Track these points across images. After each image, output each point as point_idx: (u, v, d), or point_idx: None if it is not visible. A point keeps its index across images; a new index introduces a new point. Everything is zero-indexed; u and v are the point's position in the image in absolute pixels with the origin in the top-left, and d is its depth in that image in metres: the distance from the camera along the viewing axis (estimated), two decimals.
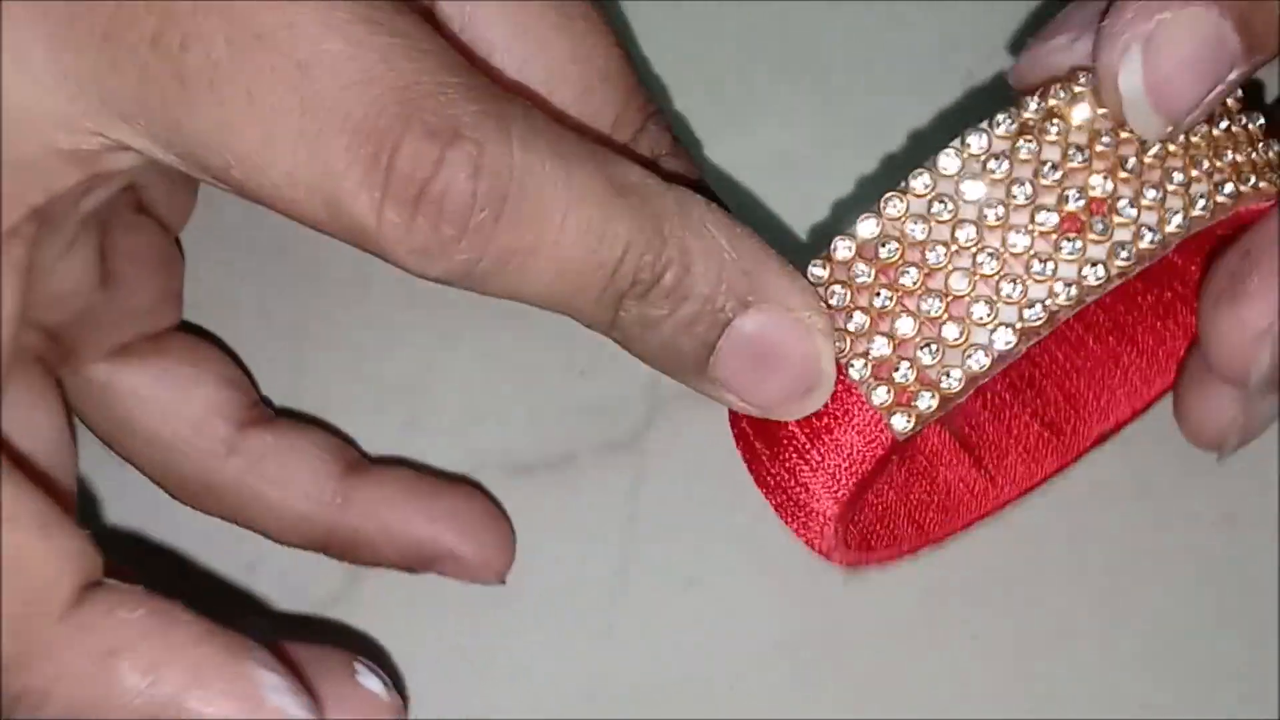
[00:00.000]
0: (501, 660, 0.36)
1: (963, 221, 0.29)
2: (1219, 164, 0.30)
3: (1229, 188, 0.30)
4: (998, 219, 0.29)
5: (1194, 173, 0.29)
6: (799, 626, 0.36)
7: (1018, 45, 0.38)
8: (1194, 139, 0.30)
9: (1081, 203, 0.29)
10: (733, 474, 0.36)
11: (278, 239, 0.37)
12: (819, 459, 0.30)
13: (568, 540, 0.36)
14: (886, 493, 0.35)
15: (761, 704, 0.35)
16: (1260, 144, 0.31)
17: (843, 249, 0.30)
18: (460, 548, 0.35)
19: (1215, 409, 0.34)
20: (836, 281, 0.30)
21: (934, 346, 0.29)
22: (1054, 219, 0.29)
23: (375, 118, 0.27)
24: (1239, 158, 0.30)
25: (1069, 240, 0.29)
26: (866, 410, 0.30)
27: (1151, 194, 0.29)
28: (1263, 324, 0.31)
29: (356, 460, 0.36)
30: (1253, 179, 0.30)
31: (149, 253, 0.34)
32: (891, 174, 0.38)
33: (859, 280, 0.30)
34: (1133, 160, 0.29)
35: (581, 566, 0.36)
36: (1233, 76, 0.29)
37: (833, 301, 0.30)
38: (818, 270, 0.30)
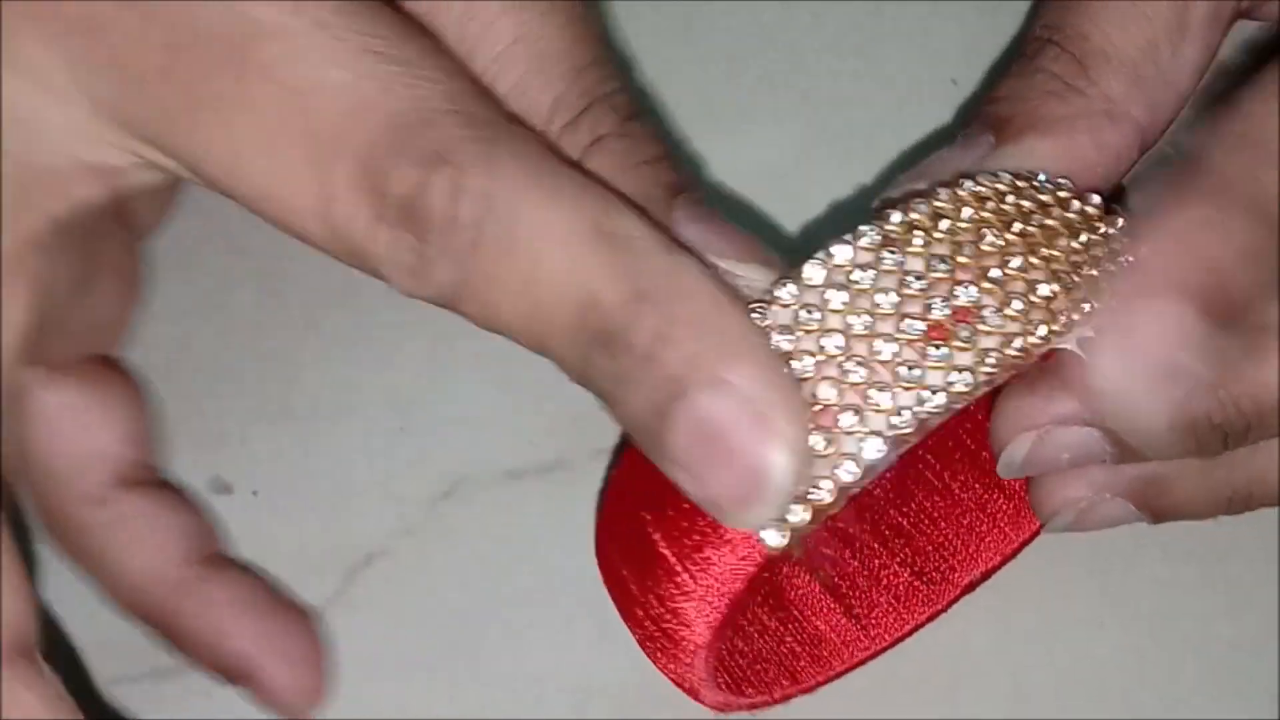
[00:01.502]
0: (492, 664, 0.36)
1: (829, 330, 0.29)
2: (1077, 279, 0.30)
3: (1087, 306, 0.30)
4: (865, 328, 0.29)
5: (1055, 287, 0.29)
6: None
7: (1005, 53, 0.39)
8: (1056, 253, 0.30)
9: (947, 311, 0.29)
10: None
11: (270, 246, 0.38)
12: (689, 580, 0.30)
13: (558, 545, 0.36)
14: (757, 641, 0.35)
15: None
16: (1119, 257, 0.30)
17: None
18: (270, 677, 0.34)
19: (1060, 485, 0.33)
20: None
21: None
22: (920, 326, 0.29)
23: (370, 146, 0.28)
24: (1097, 273, 0.30)
25: (935, 347, 0.29)
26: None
27: (1017, 305, 0.29)
28: (1035, 420, 0.31)
29: (215, 555, 0.35)
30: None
31: (120, 263, 0.34)
32: (880, 179, 0.38)
33: None
34: (996, 271, 0.29)
35: (572, 571, 0.36)
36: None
37: None
38: None
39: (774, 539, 0.29)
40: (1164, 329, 0.29)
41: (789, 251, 0.35)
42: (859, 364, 0.28)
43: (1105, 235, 0.30)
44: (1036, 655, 0.36)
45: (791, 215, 0.38)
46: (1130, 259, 0.30)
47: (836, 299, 0.29)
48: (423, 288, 0.29)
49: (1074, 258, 0.30)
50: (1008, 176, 0.31)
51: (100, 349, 0.35)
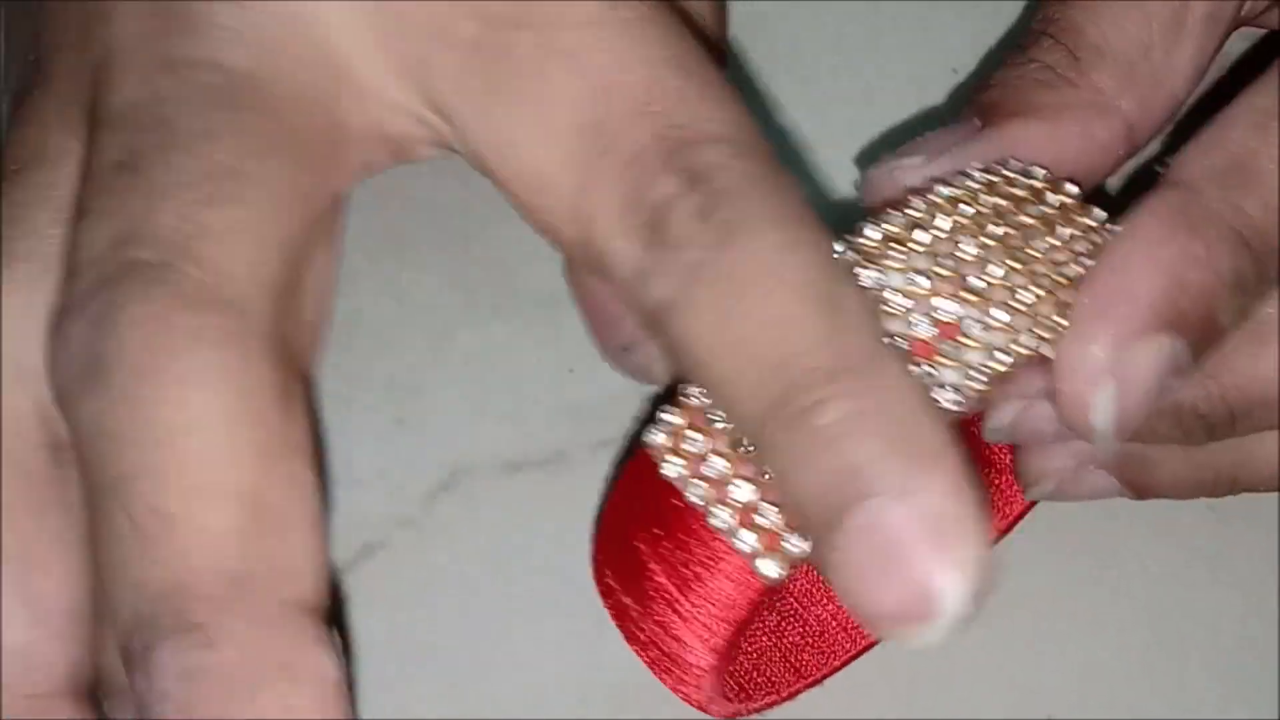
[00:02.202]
0: (491, 657, 0.36)
1: None
2: (1061, 281, 0.30)
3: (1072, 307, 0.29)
4: None
5: (1039, 292, 0.29)
6: None
7: (1004, 43, 0.39)
8: (1035, 253, 0.30)
9: (934, 330, 0.29)
10: None
11: None
12: (691, 610, 0.30)
13: (557, 538, 0.36)
14: (760, 638, 0.34)
15: None
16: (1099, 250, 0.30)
17: (696, 393, 0.29)
18: None
19: (1044, 454, 0.34)
20: (693, 427, 0.29)
21: None
22: (902, 345, 0.28)
23: (642, 150, 0.28)
24: (1079, 270, 0.30)
25: (918, 366, 0.28)
26: (734, 557, 0.29)
27: (1000, 315, 0.29)
28: (1023, 391, 0.31)
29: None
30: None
31: (329, 269, 0.35)
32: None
33: (715, 424, 0.29)
34: (976, 281, 0.29)
35: (571, 564, 0.36)
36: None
37: (691, 448, 0.29)
38: (671, 418, 0.29)
39: (770, 570, 0.28)
40: (1157, 364, 0.29)
41: None
42: None
43: (1085, 228, 0.30)
44: (1037, 654, 0.36)
45: None
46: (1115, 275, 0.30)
47: None
48: (641, 298, 0.28)
49: (1055, 255, 0.30)
50: (980, 174, 0.31)
51: (309, 345, 0.32)
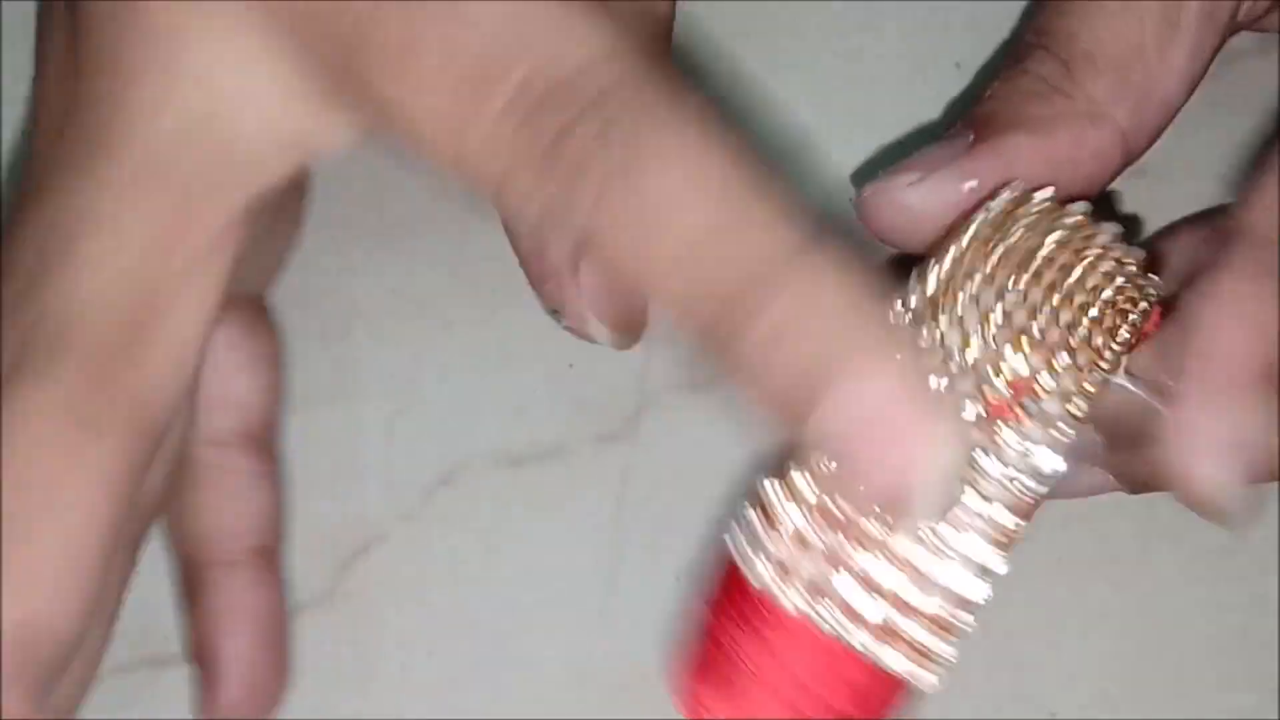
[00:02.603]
0: (492, 652, 0.36)
1: None
2: (1103, 309, 0.30)
3: (1125, 333, 0.30)
4: None
5: (1086, 322, 0.29)
6: None
7: (1010, 38, 0.38)
8: (1072, 282, 0.30)
9: (1007, 392, 0.28)
10: (721, 466, 0.36)
11: None
12: None
13: (557, 532, 0.36)
14: None
15: None
16: (1128, 268, 0.30)
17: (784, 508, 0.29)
18: (223, 692, 0.34)
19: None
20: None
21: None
22: (979, 410, 0.28)
23: (529, 79, 0.27)
24: (1113, 293, 0.30)
25: (1002, 427, 0.28)
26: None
27: (1063, 359, 0.29)
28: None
29: (266, 548, 0.35)
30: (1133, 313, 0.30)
31: (290, 207, 0.36)
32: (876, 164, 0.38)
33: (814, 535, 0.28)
34: (1034, 330, 0.29)
35: (571, 558, 0.36)
36: None
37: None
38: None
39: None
40: (1243, 415, 0.29)
41: None
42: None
43: (1104, 248, 0.30)
44: (1039, 651, 0.36)
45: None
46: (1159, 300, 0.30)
47: None
48: (561, 237, 0.28)
49: (1089, 281, 0.30)
50: (997, 211, 0.30)
51: (259, 288, 0.36)
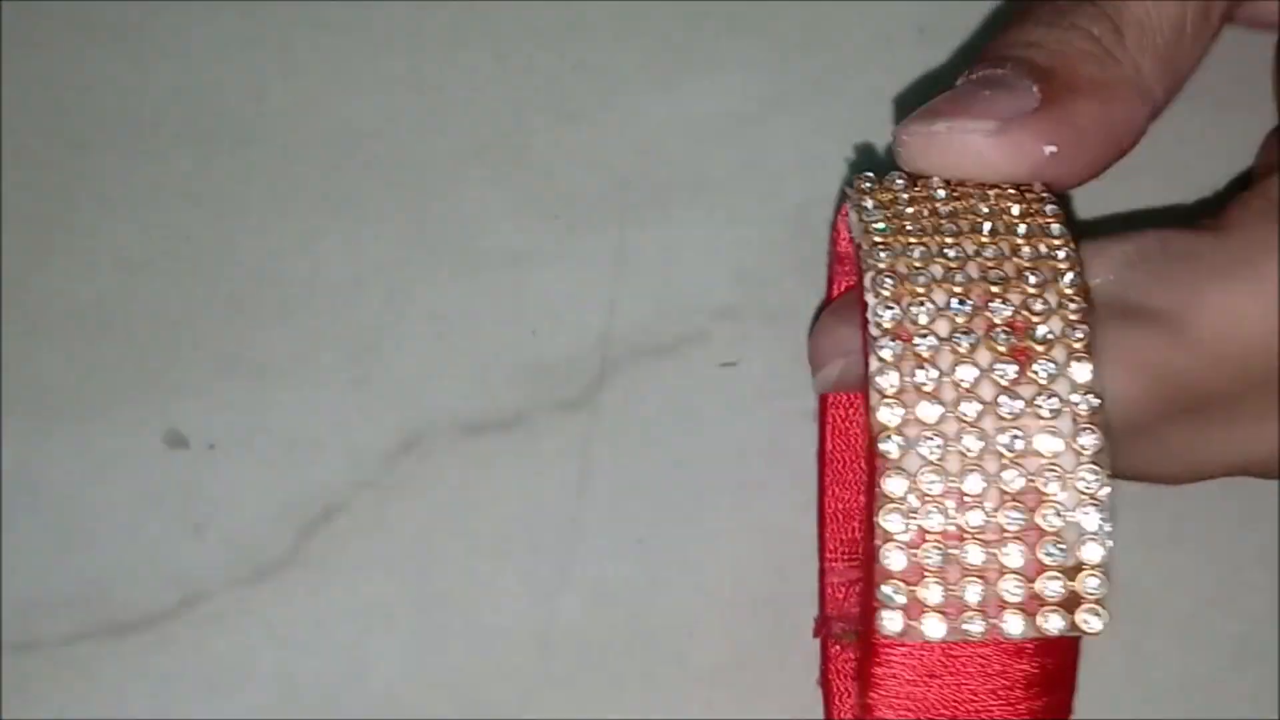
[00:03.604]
0: (454, 620, 0.36)
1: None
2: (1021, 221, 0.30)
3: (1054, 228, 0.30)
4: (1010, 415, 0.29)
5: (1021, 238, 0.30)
6: (749, 584, 0.36)
7: (972, 2, 0.38)
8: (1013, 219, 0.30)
9: (1012, 340, 0.29)
10: (684, 433, 0.36)
11: (224, 195, 0.37)
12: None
13: (519, 500, 0.36)
14: None
15: (712, 661, 0.35)
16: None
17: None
18: None
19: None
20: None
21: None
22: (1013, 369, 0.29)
23: None
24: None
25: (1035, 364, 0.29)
26: None
27: (1031, 279, 0.29)
28: (848, 348, 0.31)
29: None
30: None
31: None
32: (844, 127, 0.37)
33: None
34: (993, 274, 0.29)
35: (532, 526, 0.36)
36: None
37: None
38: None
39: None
40: None
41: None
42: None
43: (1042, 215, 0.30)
44: None
45: (757, 164, 0.38)
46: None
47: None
48: None
49: (1000, 208, 0.30)
50: (942, 190, 0.30)
51: None
